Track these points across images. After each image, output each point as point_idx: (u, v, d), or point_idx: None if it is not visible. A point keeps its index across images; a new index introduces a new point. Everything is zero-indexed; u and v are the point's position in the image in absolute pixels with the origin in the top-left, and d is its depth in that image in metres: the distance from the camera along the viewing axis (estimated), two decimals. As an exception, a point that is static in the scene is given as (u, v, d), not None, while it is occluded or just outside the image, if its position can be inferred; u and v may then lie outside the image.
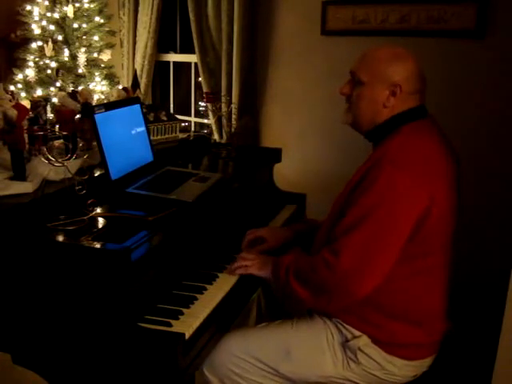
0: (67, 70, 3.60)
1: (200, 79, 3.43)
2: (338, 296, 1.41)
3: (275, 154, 2.39)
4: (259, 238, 1.79)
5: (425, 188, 1.38)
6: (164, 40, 3.84)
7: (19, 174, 1.63)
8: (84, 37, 3.66)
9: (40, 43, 3.61)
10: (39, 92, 3.54)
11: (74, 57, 3.62)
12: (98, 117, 1.70)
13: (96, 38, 3.71)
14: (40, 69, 3.61)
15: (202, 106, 3.72)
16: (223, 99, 2.94)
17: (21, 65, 3.69)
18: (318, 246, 1.64)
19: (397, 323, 1.47)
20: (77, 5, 3.62)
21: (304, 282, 1.44)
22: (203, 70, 3.33)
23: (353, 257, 1.35)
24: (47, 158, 1.47)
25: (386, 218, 1.35)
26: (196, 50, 3.34)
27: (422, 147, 1.45)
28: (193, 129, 3.74)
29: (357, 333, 1.48)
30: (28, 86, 3.58)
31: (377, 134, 1.53)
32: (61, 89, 3.52)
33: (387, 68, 1.47)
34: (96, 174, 1.77)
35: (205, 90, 3.32)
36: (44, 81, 3.58)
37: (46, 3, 3.59)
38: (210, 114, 3.26)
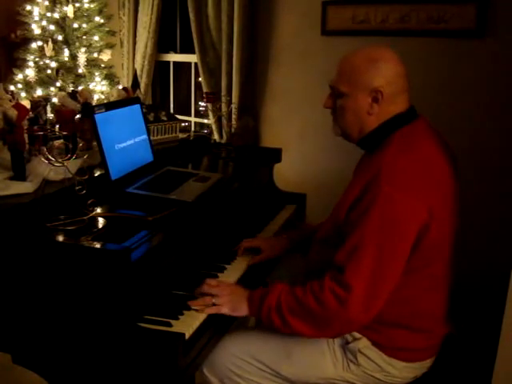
0: (67, 69, 3.60)
1: (200, 79, 3.42)
2: (348, 327, 1.38)
3: (275, 154, 2.39)
4: (255, 247, 1.77)
5: (424, 204, 1.34)
6: (164, 40, 3.84)
7: (19, 174, 1.63)
8: (84, 37, 3.66)
9: (40, 43, 3.61)
10: (39, 92, 3.54)
11: (74, 57, 3.62)
12: (97, 117, 1.70)
13: (96, 38, 3.71)
14: (40, 69, 3.61)
15: (202, 106, 3.72)
16: (223, 99, 2.94)
17: (21, 65, 3.69)
18: (314, 255, 1.63)
19: (397, 330, 1.46)
20: (77, 5, 3.62)
21: (306, 316, 1.36)
22: (203, 70, 3.33)
23: (365, 289, 1.31)
24: (47, 158, 1.47)
25: (388, 241, 1.32)
26: (196, 50, 3.34)
27: (418, 156, 1.40)
28: (193, 129, 3.74)
29: (357, 335, 1.47)
30: (28, 86, 3.58)
31: (368, 142, 1.50)
32: (61, 89, 3.52)
33: (364, 75, 1.42)
34: (96, 174, 1.77)
35: (205, 90, 3.32)
36: (44, 81, 3.58)
37: (46, 3, 3.59)
38: (210, 114, 3.26)
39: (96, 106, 1.79)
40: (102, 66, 3.77)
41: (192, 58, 3.61)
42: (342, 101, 1.48)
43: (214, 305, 1.44)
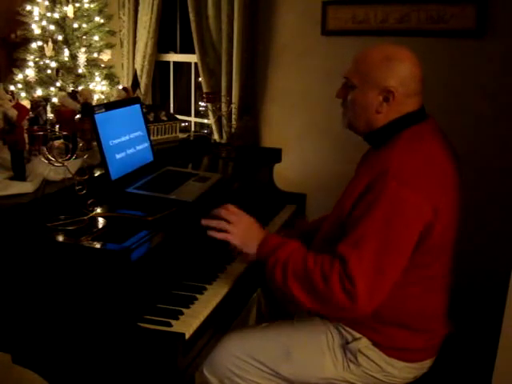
0: (67, 70, 3.61)
1: (200, 79, 3.43)
2: (347, 314, 1.36)
3: (275, 154, 2.39)
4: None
5: (429, 202, 1.35)
6: (164, 40, 3.84)
7: (19, 174, 1.63)
8: (84, 37, 3.66)
9: (40, 43, 3.61)
10: (39, 92, 3.54)
11: (73, 57, 3.62)
12: (97, 117, 1.70)
13: (96, 37, 3.71)
14: (40, 69, 3.61)
15: (202, 106, 3.72)
16: (223, 99, 2.94)
17: (21, 65, 3.69)
18: (317, 251, 1.63)
19: (396, 329, 1.46)
20: (77, 5, 3.62)
21: (307, 287, 1.35)
22: (203, 70, 3.33)
23: (366, 281, 1.30)
24: (47, 158, 1.47)
25: (392, 236, 1.32)
26: (196, 50, 3.34)
27: (425, 157, 1.41)
28: (193, 129, 3.74)
29: (357, 335, 1.47)
30: (28, 86, 3.58)
31: (375, 138, 1.51)
32: (61, 89, 3.52)
33: (378, 72, 1.42)
34: (96, 174, 1.77)
35: (205, 90, 3.32)
36: (44, 81, 3.58)
37: (46, 3, 3.59)
38: (210, 114, 3.26)
39: (96, 105, 1.79)
40: (102, 65, 3.77)
41: (192, 58, 3.61)
42: (353, 93, 1.48)
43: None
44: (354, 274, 1.30)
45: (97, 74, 3.69)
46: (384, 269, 1.32)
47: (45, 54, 3.58)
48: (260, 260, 1.46)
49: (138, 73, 3.61)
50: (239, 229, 1.45)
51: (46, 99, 2.87)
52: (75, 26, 3.62)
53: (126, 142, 1.84)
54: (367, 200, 1.35)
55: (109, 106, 1.80)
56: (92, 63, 3.70)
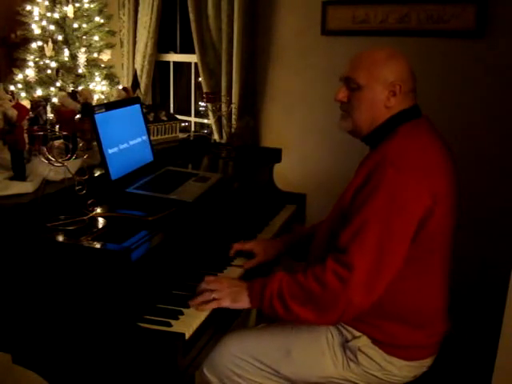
0: (67, 69, 3.60)
1: (200, 79, 3.43)
2: (350, 309, 1.35)
3: (275, 154, 2.39)
4: (248, 251, 1.74)
5: (427, 188, 1.37)
6: (164, 40, 3.84)
7: (19, 174, 1.63)
8: (84, 37, 3.66)
9: (40, 43, 3.61)
10: (39, 92, 3.54)
11: (73, 57, 3.62)
12: (97, 117, 1.70)
13: (96, 38, 3.70)
14: (40, 69, 3.60)
15: (202, 106, 3.72)
16: (223, 99, 2.94)
17: (21, 65, 3.69)
18: (316, 252, 1.63)
19: (396, 325, 1.46)
20: (77, 5, 3.62)
21: (308, 301, 1.36)
22: (203, 70, 3.33)
23: (367, 269, 1.32)
24: (47, 158, 1.47)
25: (392, 224, 1.34)
26: (196, 50, 3.34)
27: (422, 147, 1.45)
28: (193, 129, 3.74)
29: (357, 333, 1.48)
30: (28, 86, 3.58)
31: (375, 136, 1.52)
32: (61, 89, 3.52)
33: (384, 69, 1.47)
34: (96, 174, 1.77)
35: (205, 90, 3.32)
36: (44, 81, 3.58)
37: (46, 3, 3.58)
38: (210, 114, 3.26)
39: (96, 105, 1.79)
40: (102, 66, 3.77)
41: (192, 58, 3.61)
42: (358, 93, 1.50)
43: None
44: (354, 262, 1.32)
45: (97, 74, 3.69)
46: (385, 256, 1.34)
47: (45, 54, 3.57)
48: (256, 306, 1.45)
49: (138, 73, 3.60)
50: (224, 291, 1.45)
51: (46, 99, 2.87)
52: (75, 26, 3.61)
53: (126, 142, 1.84)
54: (367, 189, 1.38)
55: (109, 105, 1.80)
56: (92, 63, 3.69)
